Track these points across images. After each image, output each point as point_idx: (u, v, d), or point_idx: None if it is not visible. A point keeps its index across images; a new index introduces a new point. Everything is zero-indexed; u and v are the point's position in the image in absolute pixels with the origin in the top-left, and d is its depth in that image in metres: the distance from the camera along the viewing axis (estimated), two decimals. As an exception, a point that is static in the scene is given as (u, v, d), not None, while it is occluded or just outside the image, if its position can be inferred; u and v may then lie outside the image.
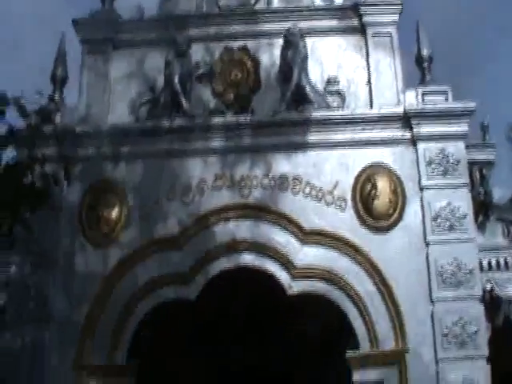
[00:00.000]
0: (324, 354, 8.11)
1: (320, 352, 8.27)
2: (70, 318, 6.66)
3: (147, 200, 6.82)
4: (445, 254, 6.65)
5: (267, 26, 7.44)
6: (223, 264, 6.63)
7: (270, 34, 7.40)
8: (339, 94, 7.13)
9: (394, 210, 6.73)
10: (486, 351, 6.45)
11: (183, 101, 6.97)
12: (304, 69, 6.98)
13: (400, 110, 6.87)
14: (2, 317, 6.75)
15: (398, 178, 6.84)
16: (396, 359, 6.49)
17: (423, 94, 7.00)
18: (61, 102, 7.18)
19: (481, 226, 6.88)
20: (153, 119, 7.00)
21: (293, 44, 6.97)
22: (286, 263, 6.55)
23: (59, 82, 7.41)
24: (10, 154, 5.83)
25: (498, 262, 6.94)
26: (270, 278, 6.63)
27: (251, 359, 8.45)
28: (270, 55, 7.27)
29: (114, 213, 6.80)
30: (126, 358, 6.60)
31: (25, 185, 5.43)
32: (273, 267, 6.60)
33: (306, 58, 7.00)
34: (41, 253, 6.64)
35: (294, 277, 6.55)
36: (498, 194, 7.60)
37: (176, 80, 6.97)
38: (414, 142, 6.89)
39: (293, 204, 6.72)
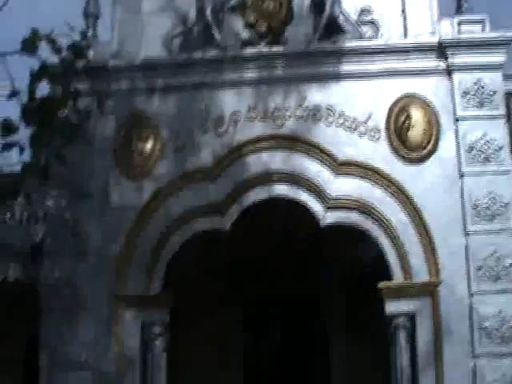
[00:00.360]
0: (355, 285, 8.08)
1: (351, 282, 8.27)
2: (106, 250, 6.74)
3: (181, 132, 6.83)
4: (480, 187, 6.57)
5: (299, -43, 7.15)
6: (257, 195, 6.64)
7: (303, -36, 7.13)
8: (373, 23, 7.03)
9: (429, 142, 6.66)
10: (520, 285, 6.26)
11: (216, 32, 6.90)
12: (337, -1, 6.80)
13: (435, 39, 6.77)
14: (40, 249, 6.79)
15: (433, 108, 6.74)
16: (429, 291, 6.49)
17: (459, 24, 6.87)
18: (93, 38, 7.12)
19: (515, 159, 6.70)
20: (185, 51, 6.93)
21: (325, -27, 6.80)
22: (319, 194, 6.53)
23: (91, 18, 7.37)
24: (44, 89, 5.86)
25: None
26: (304, 210, 6.52)
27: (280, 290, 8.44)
28: (303, -15, 7.01)
29: (148, 146, 6.82)
30: (160, 288, 6.57)
31: (59, 119, 5.44)
32: (306, 198, 6.61)
33: (338, -13, 6.84)
34: (76, 186, 6.66)
35: (327, 207, 6.54)
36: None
37: (208, 12, 6.90)
38: (449, 72, 6.78)
39: (326, 135, 6.68)
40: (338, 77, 6.81)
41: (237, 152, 6.69)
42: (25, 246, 6.94)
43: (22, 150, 5.13)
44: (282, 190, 6.67)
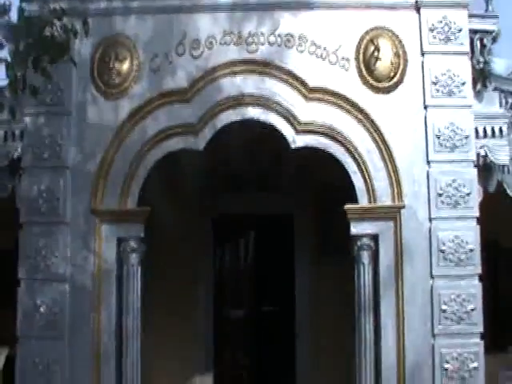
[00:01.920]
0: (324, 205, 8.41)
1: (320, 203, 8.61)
2: (84, 167, 6.97)
3: (157, 54, 6.98)
4: (442, 118, 6.88)
5: None
6: (230, 117, 6.87)
7: None
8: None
9: (396, 73, 6.92)
10: (476, 212, 6.83)
11: (193, -43, 6.95)
12: None
13: (405, -24, 6.84)
14: (18, 165, 7.00)
15: (400, 41, 6.97)
16: (392, 215, 6.83)
17: (428, -39, 7.03)
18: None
19: (478, 95, 7.04)
20: (164, -26, 6.95)
21: None
22: (290, 118, 6.78)
23: None
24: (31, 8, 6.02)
25: (493, 130, 7.08)
26: (275, 134, 6.79)
27: (252, 208, 8.81)
28: None
29: (125, 66, 7.00)
30: (135, 205, 6.87)
31: (46, 37, 5.65)
32: (277, 121, 6.83)
33: None
34: (54, 104, 6.87)
35: (297, 131, 6.80)
36: (501, 66, 7.72)
37: None
38: (417, 8, 7.01)
39: (298, 61, 6.88)
40: (311, 6, 6.98)
41: (211, 75, 6.87)
42: (2, 163, 7.05)
43: (7, 66, 5.32)
44: (254, 112, 6.89)
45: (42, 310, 6.69)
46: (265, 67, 6.86)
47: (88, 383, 6.70)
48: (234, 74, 6.83)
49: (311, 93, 6.80)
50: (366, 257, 6.64)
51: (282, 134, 6.75)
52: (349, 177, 6.75)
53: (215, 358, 9.65)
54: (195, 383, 9.49)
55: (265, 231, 9.72)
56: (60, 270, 6.74)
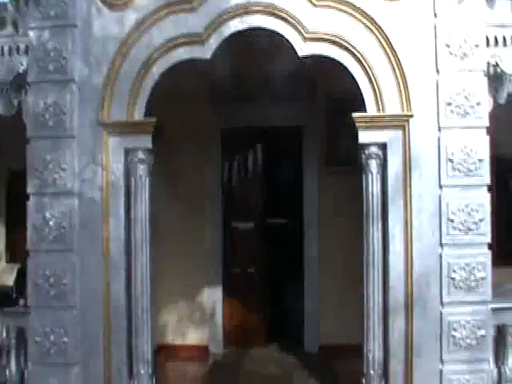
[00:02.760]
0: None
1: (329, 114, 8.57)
2: (90, 80, 6.92)
3: (162, -37, 6.59)
4: (452, 27, 6.86)
5: None
6: (237, 25, 6.76)
7: None
8: None
9: (406, -21, 6.62)
10: (486, 122, 6.86)
11: None
12: None
13: None
14: (24, 80, 6.94)
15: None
16: (401, 123, 6.78)
17: None
18: None
19: (490, 2, 6.88)
20: None
21: None
22: (298, 26, 6.69)
23: None
24: None
25: (504, 39, 6.95)
26: (283, 44, 6.71)
27: (261, 120, 8.79)
28: None
29: (130, -25, 6.70)
30: (143, 115, 6.86)
31: None
32: (285, 29, 6.72)
33: None
34: (58, 17, 6.78)
35: (305, 39, 6.69)
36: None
37: None
38: None
39: (306, -33, 6.54)
40: None
41: (218, -18, 6.57)
42: (7, 78, 7.00)
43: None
44: (261, 21, 6.75)
45: (51, 223, 6.74)
46: (271, -26, 6.49)
47: (98, 293, 6.73)
48: (241, -20, 6.51)
49: (319, 0, 6.50)
50: (374, 166, 6.63)
51: (289, 43, 6.50)
52: (357, 86, 6.52)
53: (224, 269, 9.71)
54: (205, 293, 9.59)
55: (273, 143, 9.69)
56: (68, 184, 6.76)
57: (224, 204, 9.76)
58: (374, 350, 6.59)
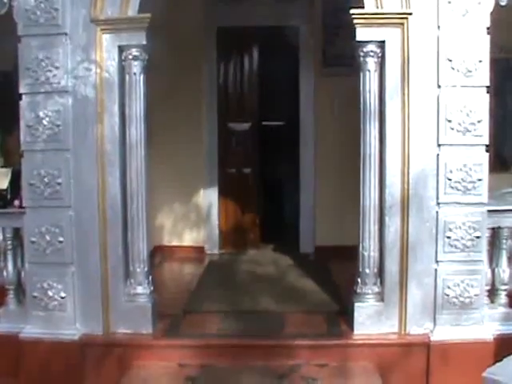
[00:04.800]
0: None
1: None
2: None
3: None
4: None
5: None
6: None
7: None
8: None
9: None
10: (487, 22, 6.52)
11: None
12: None
13: None
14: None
15: None
16: (399, 21, 6.61)
17: None
18: None
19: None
20: None
21: None
22: None
23: None
24: None
25: None
26: None
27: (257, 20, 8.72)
28: None
29: None
30: (137, 11, 6.69)
31: None
32: None
33: None
34: None
35: None
36: None
37: None
38: None
39: None
40: None
41: None
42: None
43: None
44: None
45: (44, 122, 6.69)
46: None
47: (94, 192, 6.77)
48: None
49: None
50: (371, 64, 6.56)
51: None
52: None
53: (220, 169, 9.70)
54: (200, 194, 9.62)
55: (270, 44, 9.52)
56: (62, 82, 6.69)
57: (220, 104, 9.61)
58: (369, 248, 6.64)
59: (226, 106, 9.86)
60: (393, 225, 6.67)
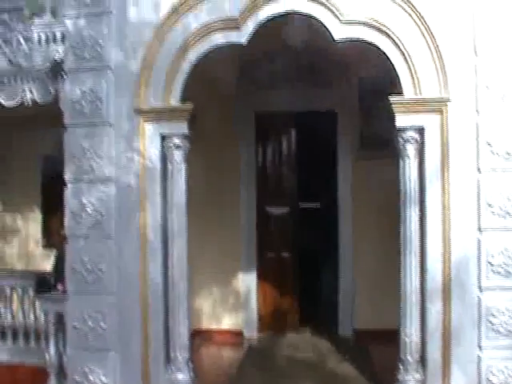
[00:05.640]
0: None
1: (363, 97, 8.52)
2: (126, 66, 6.94)
3: None
4: (489, 16, 6.66)
5: None
6: (273, 9, 6.72)
7: None
8: None
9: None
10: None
11: None
12: None
13: None
14: (61, 67, 7.00)
15: None
16: (438, 107, 6.64)
17: None
18: None
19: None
20: None
21: None
22: (334, 9, 6.63)
23: None
24: None
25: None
26: (318, 26, 6.63)
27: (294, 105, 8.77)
28: None
29: (165, -38, 6.70)
30: (179, 102, 6.84)
31: None
32: (321, 13, 6.65)
33: None
34: (94, 4, 6.80)
35: (341, 23, 6.58)
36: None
37: None
38: None
39: (342, -50, 6.47)
40: None
41: (253, -34, 6.51)
42: (44, 66, 7.06)
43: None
44: (297, 4, 6.68)
45: (88, 210, 6.81)
46: (307, -43, 6.42)
47: (135, 279, 6.77)
48: (276, -36, 6.45)
49: (355, -17, 6.39)
50: (411, 150, 6.58)
51: (325, 27, 6.48)
52: (393, 69, 6.49)
53: (258, 253, 9.69)
54: (239, 277, 9.60)
55: (307, 127, 9.61)
56: (105, 171, 6.82)
57: (258, 188, 9.70)
58: (411, 334, 6.56)
59: (264, 190, 9.80)
60: (434, 310, 6.58)
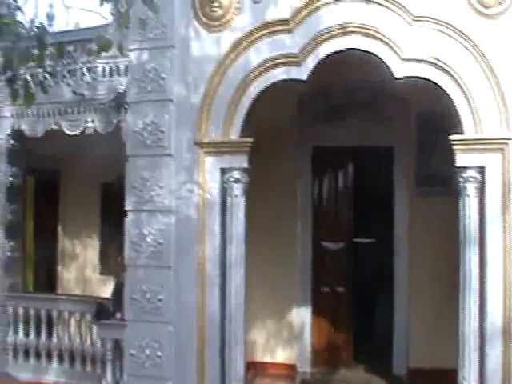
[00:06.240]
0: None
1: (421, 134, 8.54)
2: (187, 99, 7.08)
3: (259, -18, 6.68)
4: None
5: None
6: (333, 46, 6.75)
7: None
8: None
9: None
10: None
11: None
12: None
13: None
14: (123, 100, 7.19)
15: (510, -33, 6.44)
16: (500, 146, 6.56)
17: None
18: None
19: None
20: None
21: None
22: (394, 47, 6.62)
23: None
24: None
25: None
26: (378, 63, 6.67)
27: (351, 140, 8.85)
28: None
29: (227, -3, 6.84)
30: (239, 135, 6.95)
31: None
32: (381, 50, 6.66)
33: None
34: (158, 38, 6.98)
35: (402, 60, 6.60)
36: None
37: None
38: None
39: (402, -13, 6.50)
40: None
41: (314, 4, 6.79)
42: (108, 97, 7.26)
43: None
44: (357, 41, 6.72)
45: (148, 240, 6.90)
46: (368, -5, 6.48)
47: (193, 310, 6.84)
48: (337, 2, 6.63)
49: (416, 20, 6.57)
50: (471, 189, 6.51)
51: (385, 64, 6.49)
52: (453, 107, 6.46)
53: (312, 287, 9.66)
54: (293, 311, 9.58)
55: (364, 163, 9.60)
56: (165, 202, 6.94)
57: (314, 222, 9.69)
58: (469, 377, 6.43)
59: (319, 224, 9.84)
60: (494, 353, 6.44)
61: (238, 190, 6.89)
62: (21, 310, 8.54)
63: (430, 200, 8.81)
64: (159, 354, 6.86)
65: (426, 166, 8.98)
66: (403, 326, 9.23)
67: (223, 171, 6.93)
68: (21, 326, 8.58)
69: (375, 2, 6.70)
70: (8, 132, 8.64)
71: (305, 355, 9.61)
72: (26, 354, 8.57)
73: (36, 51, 5.04)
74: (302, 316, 9.59)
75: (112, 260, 9.63)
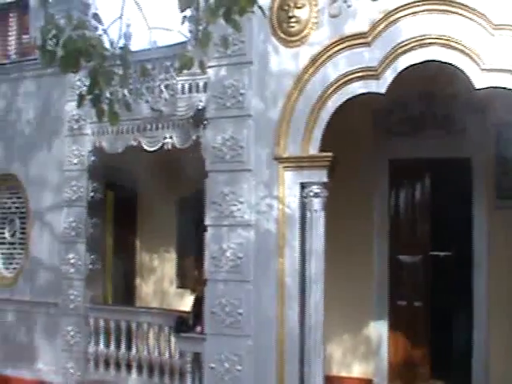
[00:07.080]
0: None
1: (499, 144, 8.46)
2: (266, 115, 7.15)
3: (335, -1, 6.74)
4: None
5: None
6: (411, 58, 6.72)
7: None
8: None
9: None
10: None
11: None
12: None
13: None
14: (202, 116, 7.31)
15: None
16: None
17: None
18: None
19: None
20: None
21: None
22: (474, 57, 6.53)
23: None
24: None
25: None
26: (456, 74, 6.61)
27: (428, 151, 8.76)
28: None
29: (304, 13, 7.10)
30: (318, 150, 6.94)
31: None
32: (461, 61, 6.58)
33: None
34: (236, 55, 7.08)
35: (482, 70, 6.51)
36: None
37: None
38: None
39: (482, -3, 6.42)
40: None
41: (391, 17, 6.77)
42: (187, 114, 7.41)
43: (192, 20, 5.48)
44: (436, 53, 6.68)
45: (227, 254, 6.97)
46: (446, 5, 6.58)
47: (272, 323, 6.88)
48: (415, 14, 6.59)
49: (496, 30, 6.46)
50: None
51: (464, 74, 6.41)
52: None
53: (389, 302, 9.56)
54: (370, 326, 9.49)
55: (441, 175, 9.47)
56: (245, 216, 7.01)
57: (391, 236, 9.61)
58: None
59: (396, 237, 9.74)
60: None
61: (317, 204, 6.89)
62: (101, 321, 8.66)
63: (510, 212, 8.58)
64: (239, 367, 6.91)
65: (505, 177, 8.76)
66: (483, 341, 9.02)
67: (302, 186, 6.95)
68: (101, 337, 8.63)
69: (454, 13, 6.62)
70: (89, 149, 8.77)
71: (382, 370, 9.51)
72: (107, 364, 8.59)
73: (120, 71, 5.08)
74: (378, 330, 9.50)
75: (189, 273, 9.71)
